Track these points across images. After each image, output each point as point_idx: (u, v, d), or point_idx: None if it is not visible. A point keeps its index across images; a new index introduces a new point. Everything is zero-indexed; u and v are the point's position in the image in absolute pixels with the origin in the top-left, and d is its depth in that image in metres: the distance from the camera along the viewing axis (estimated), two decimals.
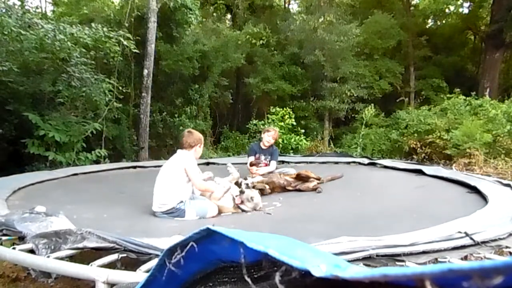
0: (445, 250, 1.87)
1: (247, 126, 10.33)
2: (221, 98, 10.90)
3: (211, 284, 0.73)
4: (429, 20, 15.11)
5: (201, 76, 9.62)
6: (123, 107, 7.60)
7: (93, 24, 6.00)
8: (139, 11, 8.07)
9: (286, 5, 14.85)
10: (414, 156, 8.67)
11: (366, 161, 6.08)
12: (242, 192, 3.37)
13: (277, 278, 0.57)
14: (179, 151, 3.34)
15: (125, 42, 6.36)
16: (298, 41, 11.13)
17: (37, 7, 9.66)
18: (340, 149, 10.12)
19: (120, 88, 6.94)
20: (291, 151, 9.21)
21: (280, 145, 8.94)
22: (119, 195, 3.86)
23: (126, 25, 7.46)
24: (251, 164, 4.71)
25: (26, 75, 5.97)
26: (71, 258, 1.78)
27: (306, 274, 0.51)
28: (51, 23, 5.48)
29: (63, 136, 5.57)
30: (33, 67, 5.99)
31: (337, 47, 10.43)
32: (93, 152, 6.18)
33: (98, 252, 1.76)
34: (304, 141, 9.73)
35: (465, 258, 1.90)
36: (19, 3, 5.98)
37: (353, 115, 11.23)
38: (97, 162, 6.21)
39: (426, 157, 8.50)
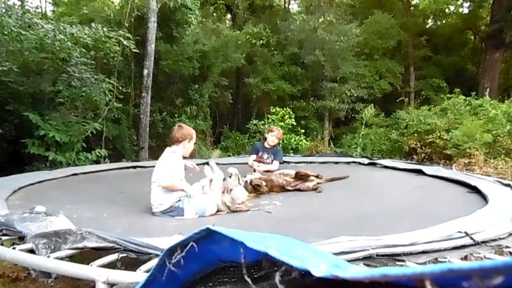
0: (445, 250, 1.87)
1: (247, 126, 10.33)
2: (221, 98, 10.90)
3: (211, 284, 0.73)
4: (429, 20, 15.11)
5: (201, 76, 9.62)
6: (123, 107, 7.60)
7: (93, 24, 6.00)
8: (139, 11, 8.07)
9: (286, 5, 14.85)
10: (414, 156, 8.67)
11: (366, 161, 6.07)
12: (224, 179, 3.35)
13: (277, 278, 0.57)
14: (167, 147, 3.26)
15: (125, 42, 6.37)
16: (298, 41, 11.13)
17: (37, 7, 9.66)
18: (340, 149, 10.12)
19: (120, 88, 6.94)
20: (291, 151, 9.21)
21: (280, 145, 8.94)
22: (119, 195, 3.86)
23: (126, 25, 7.46)
24: (254, 161, 4.77)
25: (26, 75, 5.97)
26: (71, 258, 1.78)
27: (306, 274, 0.51)
28: (51, 23, 5.48)
29: (63, 136, 5.57)
30: (33, 67, 5.99)
31: (337, 47, 10.43)
32: (93, 152, 6.18)
33: (98, 252, 1.76)
34: (304, 141, 9.73)
35: (465, 258, 1.90)
36: (19, 3, 5.98)
37: (353, 115, 11.23)
38: (97, 162, 6.21)
39: (426, 157, 8.50)
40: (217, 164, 5.90)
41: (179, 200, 3.10)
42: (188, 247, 0.66)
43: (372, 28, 11.88)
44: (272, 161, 4.81)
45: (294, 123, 9.95)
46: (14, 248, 1.81)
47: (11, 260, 1.89)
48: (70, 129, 5.81)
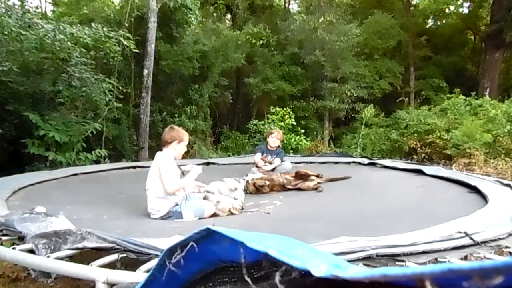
0: (445, 250, 1.87)
1: (247, 126, 10.33)
2: (221, 98, 10.90)
3: (211, 284, 0.73)
4: (429, 20, 15.11)
5: (201, 76, 9.62)
6: (123, 107, 7.60)
7: (93, 24, 6.00)
8: (139, 11, 8.07)
9: (286, 5, 14.85)
10: (414, 156, 8.67)
11: (366, 161, 6.08)
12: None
13: (277, 278, 0.57)
14: (158, 152, 3.17)
15: (125, 42, 6.37)
16: (298, 41, 11.13)
17: (37, 7, 9.68)
18: (340, 149, 10.12)
19: (120, 88, 6.94)
20: (291, 151, 9.21)
21: (280, 145, 8.95)
22: (119, 195, 3.86)
23: (126, 25, 7.46)
24: (260, 159, 5.04)
25: (26, 75, 5.97)
26: (71, 258, 1.78)
27: (306, 274, 0.51)
28: (51, 23, 5.48)
29: (63, 136, 5.57)
30: (33, 67, 5.99)
31: (337, 47, 10.43)
32: (93, 152, 6.18)
33: (98, 252, 1.76)
34: (304, 141, 9.74)
35: (465, 258, 1.90)
36: (19, 3, 5.98)
37: (353, 115, 11.23)
38: (97, 162, 6.21)
39: (426, 157, 8.50)
40: (217, 164, 5.89)
41: (177, 205, 3.07)
42: (188, 247, 0.66)
43: (372, 28, 11.88)
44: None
45: (294, 123, 9.95)
46: (14, 248, 1.81)
47: (11, 260, 1.89)
48: (70, 129, 5.81)
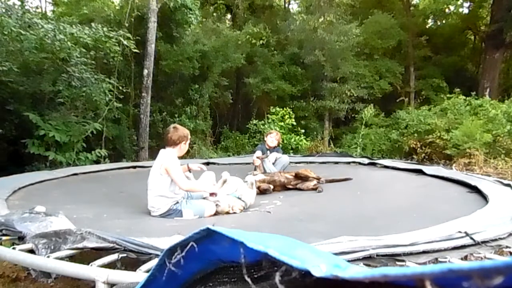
0: (445, 250, 1.87)
1: (247, 126, 10.33)
2: (221, 98, 10.90)
3: (211, 284, 0.73)
4: (429, 20, 15.10)
5: (201, 76, 9.62)
6: (123, 107, 7.60)
7: (93, 24, 6.00)
8: (139, 11, 8.07)
9: (286, 5, 14.83)
10: (414, 156, 8.67)
11: (366, 161, 6.07)
12: (224, 182, 3.35)
13: (277, 278, 0.57)
14: (161, 150, 3.18)
15: (125, 42, 6.37)
16: (298, 41, 11.13)
17: (37, 7, 9.70)
18: (340, 149, 10.12)
19: (120, 88, 6.94)
20: (291, 151, 9.21)
21: (280, 145, 8.96)
22: (119, 195, 3.86)
23: (126, 25, 7.46)
24: (258, 157, 5.03)
25: (26, 75, 5.97)
26: (71, 258, 1.78)
27: (306, 274, 0.51)
28: (51, 23, 5.48)
29: (63, 136, 5.57)
30: (33, 67, 5.99)
31: (337, 47, 10.43)
32: (93, 152, 6.18)
33: (98, 252, 1.76)
34: (304, 141, 9.74)
35: (465, 258, 1.90)
36: (19, 3, 5.98)
37: (353, 115, 11.23)
38: (97, 162, 6.22)
39: (426, 157, 8.50)
40: (217, 164, 5.90)
41: (177, 203, 3.09)
42: (188, 247, 0.66)
43: (372, 28, 11.88)
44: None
45: (294, 123, 9.95)
46: (14, 248, 1.81)
47: (11, 260, 1.89)
48: (70, 129, 5.81)
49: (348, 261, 1.62)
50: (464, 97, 9.54)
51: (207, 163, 6.10)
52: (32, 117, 5.40)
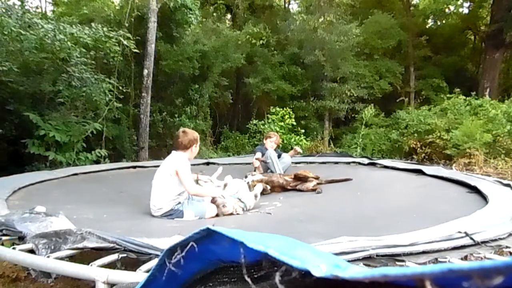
0: (445, 250, 1.87)
1: (247, 126, 10.33)
2: (221, 98, 10.90)
3: (211, 284, 0.73)
4: (429, 20, 15.10)
5: (201, 76, 9.62)
6: (123, 107, 7.60)
7: (93, 24, 6.00)
8: (139, 11, 8.07)
9: (286, 5, 14.84)
10: (414, 156, 8.67)
11: (366, 161, 6.07)
12: (225, 186, 3.36)
13: (277, 278, 0.57)
14: (173, 152, 3.24)
15: (125, 42, 6.37)
16: (298, 41, 11.13)
17: (37, 7, 9.70)
18: (340, 149, 10.12)
19: (120, 88, 6.94)
20: (291, 151, 9.19)
21: (280, 145, 8.96)
22: (119, 195, 3.86)
23: (126, 25, 7.46)
24: (257, 159, 5.02)
25: (26, 75, 5.97)
26: (71, 258, 1.78)
27: (306, 274, 0.51)
28: (51, 23, 5.48)
29: (63, 136, 5.57)
30: (33, 67, 5.99)
31: (337, 47, 10.43)
32: (93, 152, 6.18)
33: (98, 252, 1.76)
34: (304, 141, 9.73)
35: (465, 258, 1.89)
36: (19, 3, 5.98)
37: (353, 115, 11.23)
38: (97, 162, 6.21)
39: (426, 157, 8.49)
40: (217, 164, 5.91)
41: (179, 203, 3.11)
42: (188, 247, 0.66)
43: (372, 28, 11.88)
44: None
45: (294, 123, 9.95)
46: (14, 248, 1.81)
47: (11, 260, 1.89)
48: (70, 129, 5.81)
49: (348, 261, 1.62)
50: (464, 97, 9.54)
51: (207, 163, 6.11)
52: (32, 117, 5.40)
